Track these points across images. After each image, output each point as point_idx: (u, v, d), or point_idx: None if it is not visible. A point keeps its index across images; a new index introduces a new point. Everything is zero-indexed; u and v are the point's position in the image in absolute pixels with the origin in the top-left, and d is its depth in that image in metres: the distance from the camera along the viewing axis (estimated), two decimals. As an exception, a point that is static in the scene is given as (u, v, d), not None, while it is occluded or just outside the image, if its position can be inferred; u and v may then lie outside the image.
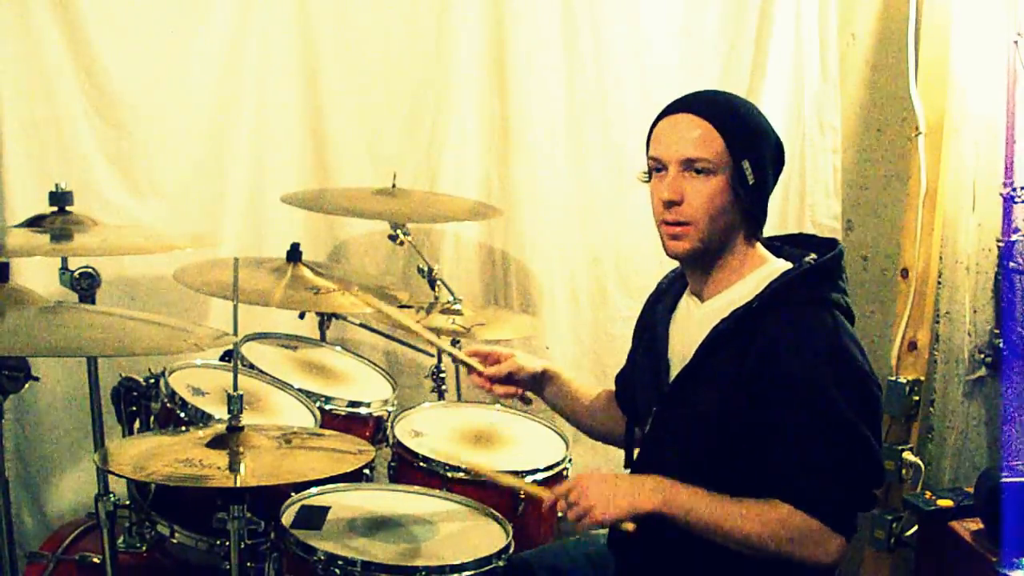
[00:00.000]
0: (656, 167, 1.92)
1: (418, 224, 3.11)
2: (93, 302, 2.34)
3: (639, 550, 1.95)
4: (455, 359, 2.36)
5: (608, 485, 1.84)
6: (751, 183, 1.87)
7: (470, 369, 2.24)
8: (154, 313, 2.39)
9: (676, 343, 2.01)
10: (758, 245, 1.96)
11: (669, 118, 1.92)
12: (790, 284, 1.88)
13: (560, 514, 1.89)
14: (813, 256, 1.93)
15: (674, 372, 1.98)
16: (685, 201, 1.87)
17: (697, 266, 1.96)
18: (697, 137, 1.86)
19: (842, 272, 1.94)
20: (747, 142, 1.88)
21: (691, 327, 1.97)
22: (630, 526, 1.81)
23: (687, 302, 2.03)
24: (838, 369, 1.82)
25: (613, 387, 2.30)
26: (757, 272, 1.93)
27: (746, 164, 1.86)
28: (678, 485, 1.83)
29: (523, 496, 2.14)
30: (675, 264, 2.04)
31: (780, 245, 2.02)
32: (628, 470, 2.12)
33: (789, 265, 1.94)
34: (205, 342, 2.00)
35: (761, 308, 1.86)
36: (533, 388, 2.26)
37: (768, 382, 1.82)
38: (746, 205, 1.89)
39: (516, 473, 2.45)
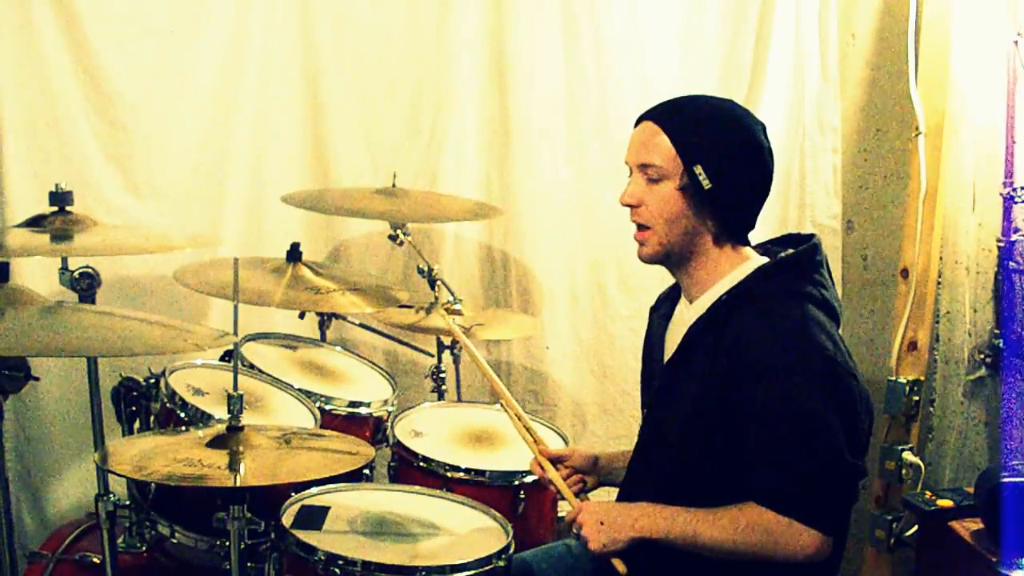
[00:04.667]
0: (629, 172, 1.97)
1: (418, 224, 3.11)
2: (93, 302, 2.34)
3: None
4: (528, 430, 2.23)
5: (600, 517, 1.89)
6: (707, 188, 1.87)
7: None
8: (154, 313, 2.38)
9: (669, 347, 2.03)
10: (743, 248, 1.97)
11: (639, 125, 1.96)
12: (759, 278, 1.90)
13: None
14: (790, 251, 1.94)
15: None
16: (642, 206, 1.92)
17: (671, 270, 1.99)
18: (648, 143, 1.91)
19: (818, 266, 1.94)
20: (700, 147, 1.88)
21: (679, 329, 1.99)
22: (622, 568, 1.84)
23: (681, 307, 2.05)
24: (805, 361, 1.81)
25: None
26: (737, 271, 1.95)
27: (699, 169, 1.87)
28: (659, 508, 1.87)
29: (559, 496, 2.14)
30: None
31: (770, 247, 2.03)
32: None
33: (765, 261, 1.95)
34: (205, 342, 2.00)
35: (731, 302, 1.88)
36: (592, 472, 2.19)
37: (737, 376, 1.83)
38: (708, 209, 1.89)
39: (515, 473, 2.46)
